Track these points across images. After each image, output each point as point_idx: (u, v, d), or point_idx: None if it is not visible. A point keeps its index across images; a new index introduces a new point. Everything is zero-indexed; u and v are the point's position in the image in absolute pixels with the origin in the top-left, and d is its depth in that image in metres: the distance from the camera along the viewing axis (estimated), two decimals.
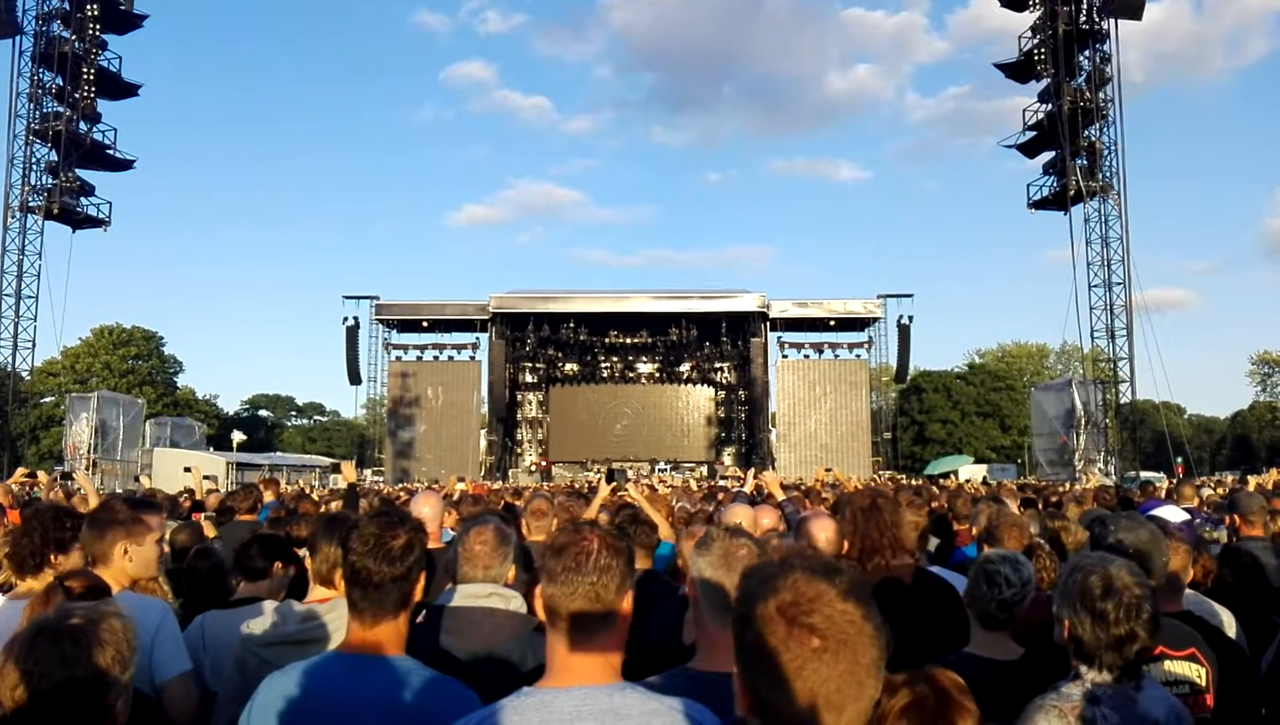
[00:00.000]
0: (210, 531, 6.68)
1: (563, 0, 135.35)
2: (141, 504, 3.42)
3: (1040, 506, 8.44)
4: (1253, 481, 11.13)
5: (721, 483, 27.74)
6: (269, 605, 3.32)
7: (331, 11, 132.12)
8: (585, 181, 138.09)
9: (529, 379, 49.92)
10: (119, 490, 20.43)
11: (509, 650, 2.75)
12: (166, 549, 3.46)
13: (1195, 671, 2.54)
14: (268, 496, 8.44)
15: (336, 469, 9.78)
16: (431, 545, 3.76)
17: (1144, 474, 31.81)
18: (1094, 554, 2.55)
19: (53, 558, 3.25)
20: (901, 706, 1.67)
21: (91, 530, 3.19)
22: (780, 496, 7.01)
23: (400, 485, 30.63)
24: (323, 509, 10.20)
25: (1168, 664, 2.53)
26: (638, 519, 4.52)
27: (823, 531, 3.59)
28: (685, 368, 49.07)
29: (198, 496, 9.80)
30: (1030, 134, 38.86)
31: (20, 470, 10.56)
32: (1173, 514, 7.30)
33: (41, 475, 10.32)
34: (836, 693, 1.19)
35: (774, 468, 40.06)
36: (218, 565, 4.13)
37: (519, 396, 49.68)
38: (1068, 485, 18.94)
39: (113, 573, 3.12)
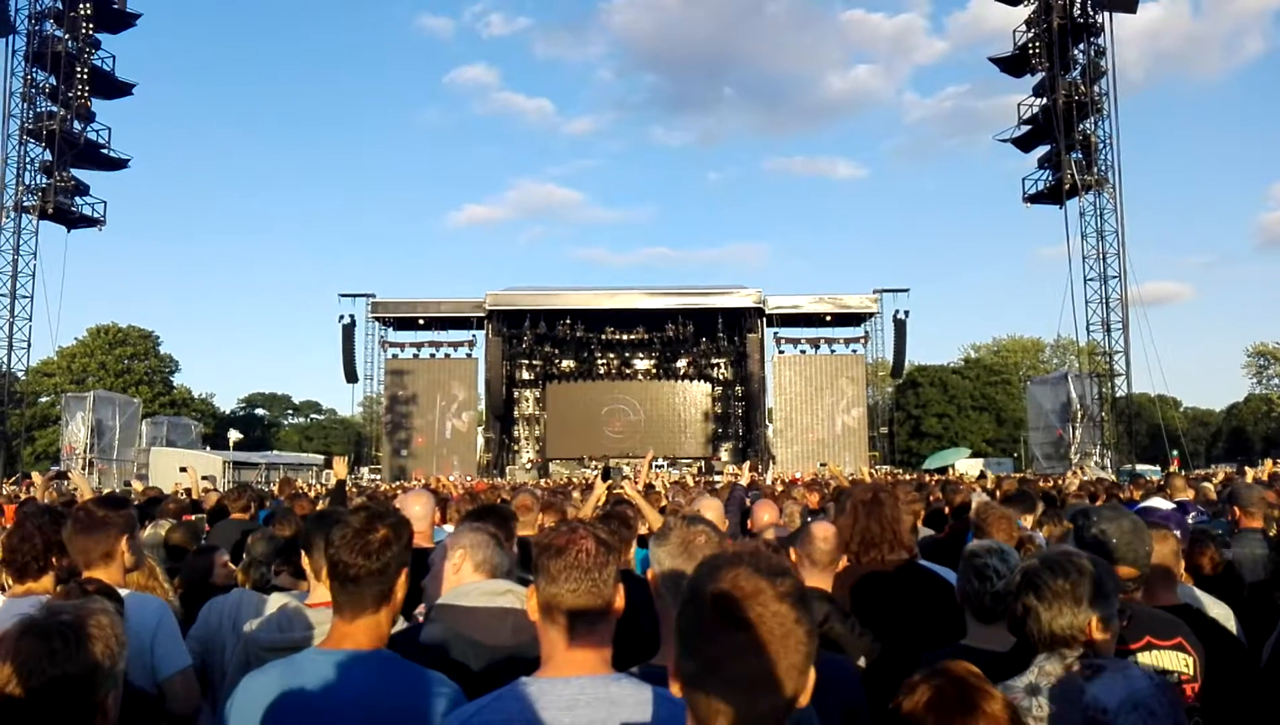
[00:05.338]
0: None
1: (565, 4, 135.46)
2: (110, 501, 3.39)
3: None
4: (1250, 473, 11.12)
5: (715, 478, 27.71)
6: (274, 600, 3.31)
7: (333, 14, 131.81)
8: (585, 181, 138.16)
9: (526, 376, 49.91)
10: (117, 490, 20.42)
11: (530, 651, 2.70)
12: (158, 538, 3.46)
13: (1182, 661, 2.55)
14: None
15: (329, 465, 9.58)
16: (423, 544, 3.75)
17: (1139, 467, 31.80)
18: (1048, 550, 2.55)
19: (54, 560, 3.22)
20: (925, 702, 1.68)
21: (90, 535, 3.14)
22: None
23: (397, 483, 30.61)
24: (319, 507, 10.16)
25: (1154, 654, 2.54)
26: (610, 516, 4.52)
27: (821, 532, 3.59)
28: (682, 364, 49.06)
29: (195, 496, 9.76)
30: (1025, 128, 38.83)
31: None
32: (1160, 505, 7.29)
33: (36, 476, 10.28)
34: (754, 686, 1.26)
35: (774, 463, 40.10)
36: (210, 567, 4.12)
37: (516, 393, 49.69)
38: (1064, 477, 18.92)
39: (113, 571, 3.12)
